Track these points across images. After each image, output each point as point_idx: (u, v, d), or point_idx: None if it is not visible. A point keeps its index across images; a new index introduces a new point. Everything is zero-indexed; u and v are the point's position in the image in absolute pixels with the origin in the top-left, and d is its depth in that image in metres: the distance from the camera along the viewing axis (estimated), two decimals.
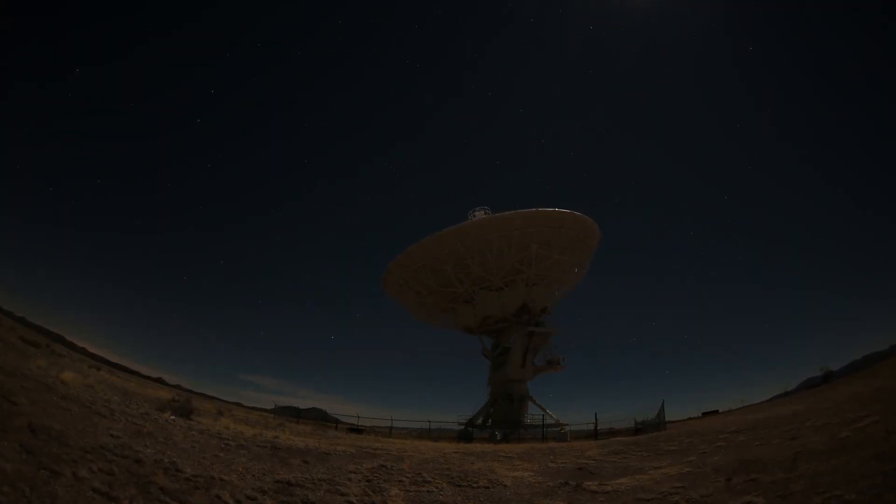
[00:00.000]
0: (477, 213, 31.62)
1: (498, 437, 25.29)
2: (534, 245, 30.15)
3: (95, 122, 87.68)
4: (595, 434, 24.84)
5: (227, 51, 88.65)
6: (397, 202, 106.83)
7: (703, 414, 31.89)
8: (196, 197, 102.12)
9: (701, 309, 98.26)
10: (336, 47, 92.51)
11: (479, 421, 31.93)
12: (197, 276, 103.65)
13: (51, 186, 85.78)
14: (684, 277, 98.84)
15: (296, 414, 32.93)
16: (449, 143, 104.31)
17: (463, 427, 31.02)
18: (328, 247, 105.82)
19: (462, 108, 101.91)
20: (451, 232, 30.57)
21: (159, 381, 50.00)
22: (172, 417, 10.08)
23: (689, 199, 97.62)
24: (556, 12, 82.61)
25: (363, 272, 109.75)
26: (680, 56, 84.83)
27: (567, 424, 29.28)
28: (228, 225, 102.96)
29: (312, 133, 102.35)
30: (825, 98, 79.49)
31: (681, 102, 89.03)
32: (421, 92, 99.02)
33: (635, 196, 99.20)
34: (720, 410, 31.98)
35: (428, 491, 6.52)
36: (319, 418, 34.62)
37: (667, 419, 23.60)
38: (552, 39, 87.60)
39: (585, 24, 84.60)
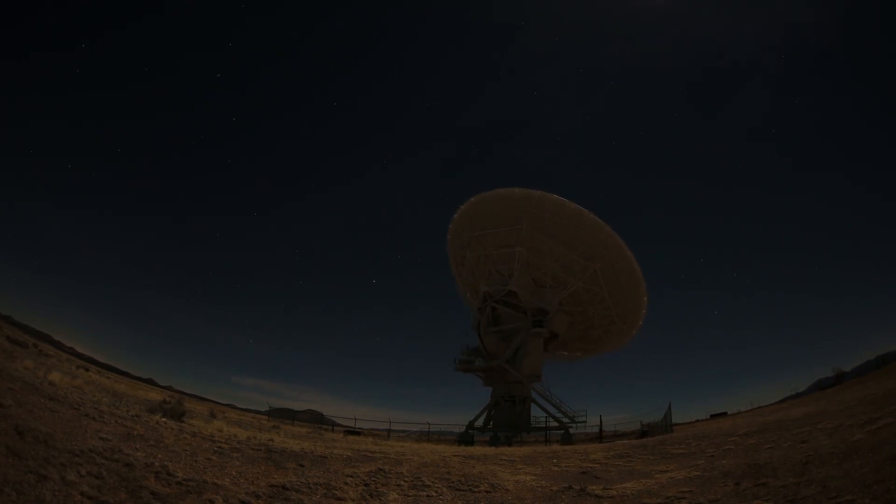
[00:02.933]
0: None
1: (501, 441, 25.36)
2: (597, 264, 30.19)
3: (87, 116, 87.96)
4: (600, 437, 24.93)
5: (231, 52, 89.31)
6: (396, 201, 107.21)
7: (712, 416, 31.98)
8: (191, 196, 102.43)
9: (709, 309, 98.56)
10: (343, 51, 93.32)
11: (481, 423, 31.99)
12: (190, 275, 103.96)
13: (38, 180, 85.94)
14: (692, 277, 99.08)
15: (291, 416, 33.03)
16: (446, 146, 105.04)
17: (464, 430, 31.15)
18: (326, 246, 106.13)
19: (463, 109, 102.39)
20: (552, 199, 30.10)
21: (150, 382, 50.22)
22: (163, 420, 10.10)
23: (697, 198, 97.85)
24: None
25: (360, 272, 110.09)
26: (682, 61, 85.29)
27: (572, 424, 29.35)
28: (225, 223, 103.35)
29: (314, 135, 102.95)
30: (840, 99, 79.45)
31: (693, 106, 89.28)
32: (428, 96, 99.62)
33: (643, 195, 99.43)
34: (729, 412, 32.06)
35: (427, 495, 6.54)
36: (315, 420, 34.74)
37: (674, 422, 23.65)
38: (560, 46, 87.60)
39: (600, 28, 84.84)
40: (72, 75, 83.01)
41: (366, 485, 6.82)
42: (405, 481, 7.37)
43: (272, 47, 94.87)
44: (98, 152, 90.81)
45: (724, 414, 31.92)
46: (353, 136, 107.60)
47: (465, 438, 28.95)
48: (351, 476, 7.41)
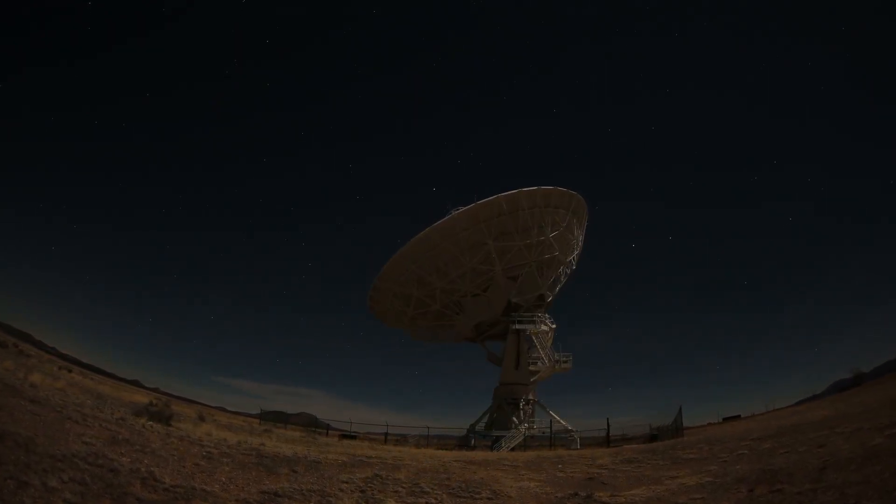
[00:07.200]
0: (452, 213, 30.51)
1: (503, 446, 25.48)
2: (489, 241, 29.94)
3: (77, 114, 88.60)
4: (607, 441, 25.02)
5: (223, 45, 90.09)
6: (392, 199, 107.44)
7: (724, 419, 32.11)
8: (180, 193, 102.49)
9: (722, 308, 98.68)
10: (331, 51, 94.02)
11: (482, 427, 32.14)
12: (179, 273, 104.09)
13: (20, 176, 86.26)
14: (706, 275, 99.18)
15: (283, 419, 33.19)
16: (441, 145, 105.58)
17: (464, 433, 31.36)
18: (321, 245, 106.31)
19: (458, 106, 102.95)
20: (425, 235, 30.36)
21: (135, 383, 50.46)
22: (150, 423, 10.13)
23: (710, 194, 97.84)
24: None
25: (358, 271, 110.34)
26: (685, 54, 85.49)
27: (574, 430, 29.50)
28: (218, 222, 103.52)
29: (305, 134, 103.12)
30: (861, 88, 79.29)
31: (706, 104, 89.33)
32: (417, 91, 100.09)
33: (652, 193, 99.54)
34: (742, 416, 32.19)
35: (426, 502, 6.57)
36: (309, 424, 34.90)
37: (685, 425, 23.74)
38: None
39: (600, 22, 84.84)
40: (66, 87, 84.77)
41: (362, 491, 6.85)
42: (403, 487, 7.40)
43: (271, 49, 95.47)
44: (78, 151, 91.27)
45: (738, 417, 32.04)
46: (355, 133, 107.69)
47: (466, 442, 29.14)
48: (346, 482, 7.44)
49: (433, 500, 6.68)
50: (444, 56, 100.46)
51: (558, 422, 30.24)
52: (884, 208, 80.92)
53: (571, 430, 29.49)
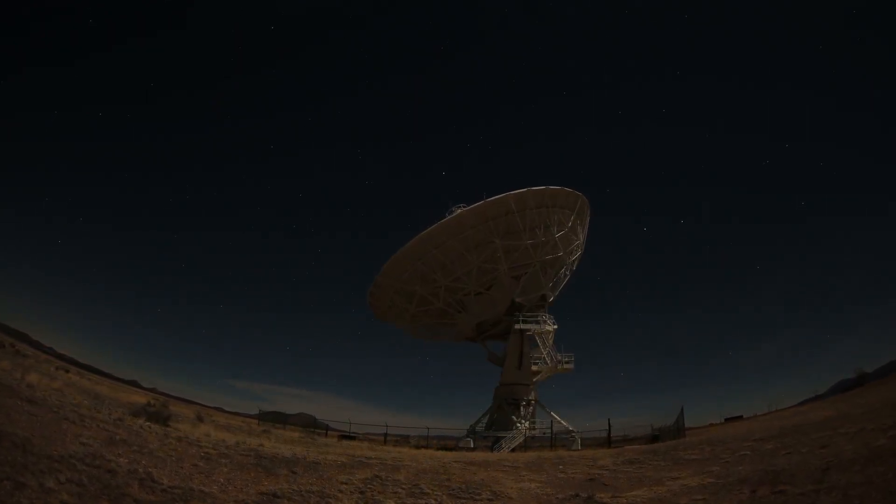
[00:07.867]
0: (455, 211, 30.22)
1: (503, 447, 25.51)
2: (496, 240, 29.87)
3: (77, 114, 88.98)
4: (608, 442, 25.05)
5: (223, 45, 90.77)
6: (391, 197, 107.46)
7: (726, 420, 32.17)
8: (180, 193, 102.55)
9: (724, 307, 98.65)
10: (329, 48, 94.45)
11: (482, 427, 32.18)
12: (178, 273, 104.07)
13: (20, 176, 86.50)
14: (707, 273, 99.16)
15: (282, 420, 33.23)
16: (441, 143, 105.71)
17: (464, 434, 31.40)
18: (321, 245, 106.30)
19: (456, 107, 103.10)
20: (431, 232, 30.17)
21: (133, 384, 50.50)
22: (148, 424, 10.14)
23: (713, 193, 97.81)
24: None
25: (357, 270, 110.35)
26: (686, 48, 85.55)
27: (575, 431, 29.53)
28: (214, 220, 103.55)
29: (304, 133, 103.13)
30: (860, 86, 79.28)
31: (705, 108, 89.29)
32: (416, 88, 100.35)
33: (655, 192, 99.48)
34: (744, 416, 32.23)
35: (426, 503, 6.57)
36: (308, 424, 34.98)
37: (686, 425, 23.76)
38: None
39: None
40: (66, 87, 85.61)
41: (361, 492, 6.86)
42: (403, 489, 7.40)
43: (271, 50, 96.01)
44: (75, 149, 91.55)
45: (740, 417, 32.09)
46: (355, 133, 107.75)
47: (465, 443, 29.19)
48: (346, 483, 7.45)
49: (433, 502, 6.69)
50: (445, 56, 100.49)
51: (559, 422, 30.21)
52: (887, 203, 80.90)
53: (572, 431, 29.47)
